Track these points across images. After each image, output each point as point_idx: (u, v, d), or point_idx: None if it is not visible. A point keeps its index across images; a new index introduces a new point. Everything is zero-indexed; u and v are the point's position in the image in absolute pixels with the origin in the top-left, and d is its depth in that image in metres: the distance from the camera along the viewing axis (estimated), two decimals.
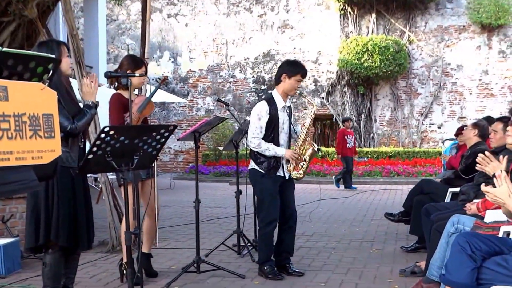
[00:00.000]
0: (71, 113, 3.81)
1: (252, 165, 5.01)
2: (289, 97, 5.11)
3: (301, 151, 5.04)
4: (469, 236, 3.27)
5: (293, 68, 4.95)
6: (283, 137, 5.02)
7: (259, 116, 4.89)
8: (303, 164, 5.04)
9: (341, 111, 18.69)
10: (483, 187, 3.20)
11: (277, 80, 5.01)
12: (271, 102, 4.94)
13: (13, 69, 2.14)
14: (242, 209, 6.00)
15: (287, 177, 5.04)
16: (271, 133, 4.93)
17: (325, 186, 13.84)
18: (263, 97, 5.12)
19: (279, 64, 18.64)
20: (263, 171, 4.92)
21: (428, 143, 18.36)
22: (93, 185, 11.38)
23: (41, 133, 2.17)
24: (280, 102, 4.97)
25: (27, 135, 2.10)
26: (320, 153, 5.34)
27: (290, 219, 5.07)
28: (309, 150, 5.08)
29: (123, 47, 20.18)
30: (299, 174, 5.04)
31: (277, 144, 4.95)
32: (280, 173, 4.99)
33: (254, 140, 4.89)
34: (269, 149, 4.88)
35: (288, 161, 5.01)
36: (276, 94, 5.00)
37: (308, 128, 5.09)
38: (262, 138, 4.91)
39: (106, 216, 6.20)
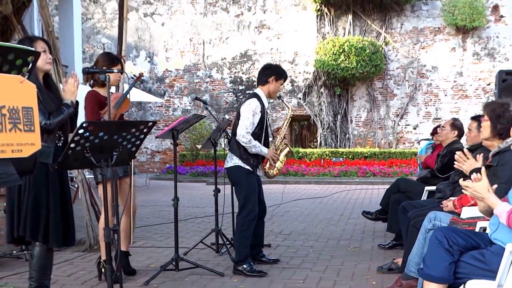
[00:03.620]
0: (48, 109, 3.78)
1: (235, 162, 5.04)
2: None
3: (278, 152, 5.30)
4: (446, 230, 3.32)
5: (281, 72, 5.22)
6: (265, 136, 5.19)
7: (253, 112, 4.98)
8: (279, 164, 5.29)
9: (318, 112, 18.78)
10: (462, 181, 3.25)
11: (264, 81, 5.14)
12: (260, 100, 5.06)
13: None
14: (220, 208, 5.99)
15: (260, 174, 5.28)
16: (258, 131, 5.03)
17: (302, 186, 13.93)
18: (252, 94, 5.19)
19: (256, 64, 18.60)
20: (249, 168, 5.02)
21: (404, 143, 18.55)
22: (69, 185, 11.25)
23: (20, 126, 2.14)
24: (265, 102, 5.13)
25: (6, 128, 2.07)
26: (293, 155, 5.40)
27: (263, 213, 5.32)
28: (284, 151, 5.37)
29: (98, 46, 19.98)
30: (274, 172, 5.32)
31: (261, 142, 5.10)
32: (259, 172, 5.20)
33: (247, 135, 4.94)
34: (256, 147, 4.99)
35: (262, 160, 5.19)
36: (261, 93, 5.13)
37: (285, 130, 5.43)
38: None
39: (83, 215, 6.14)
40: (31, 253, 3.87)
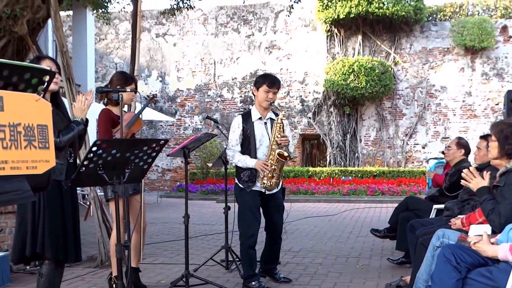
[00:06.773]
0: (57, 127, 3.84)
1: (235, 180, 5.11)
2: (271, 110, 5.18)
3: (270, 160, 4.92)
4: (454, 248, 3.35)
5: (259, 80, 5.15)
6: (263, 151, 5.01)
7: (232, 129, 5.10)
8: (274, 173, 4.92)
9: (328, 131, 18.84)
10: (473, 245, 3.34)
11: (254, 96, 5.26)
12: (246, 116, 5.12)
13: (8, 80, 2.15)
14: (230, 226, 6.02)
15: (265, 192, 5.01)
16: (247, 147, 5.02)
17: (312, 204, 13.93)
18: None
19: None
20: (241, 185, 5.01)
21: (413, 163, 18.53)
22: (81, 202, 11.34)
23: (35, 143, 2.18)
24: (255, 115, 5.09)
25: (22, 145, 2.11)
26: (289, 156, 4.65)
27: (275, 234, 5.22)
28: (275, 156, 4.93)
29: (111, 66, 20.23)
30: (269, 183, 4.92)
31: (254, 157, 4.97)
32: (257, 187, 4.97)
33: (229, 152, 5.08)
34: (241, 161, 4.97)
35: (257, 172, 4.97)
36: (253, 108, 5.21)
37: (275, 136, 4.95)
38: (240, 151, 5.01)
39: (94, 232, 6.20)
40: (39, 272, 3.87)
